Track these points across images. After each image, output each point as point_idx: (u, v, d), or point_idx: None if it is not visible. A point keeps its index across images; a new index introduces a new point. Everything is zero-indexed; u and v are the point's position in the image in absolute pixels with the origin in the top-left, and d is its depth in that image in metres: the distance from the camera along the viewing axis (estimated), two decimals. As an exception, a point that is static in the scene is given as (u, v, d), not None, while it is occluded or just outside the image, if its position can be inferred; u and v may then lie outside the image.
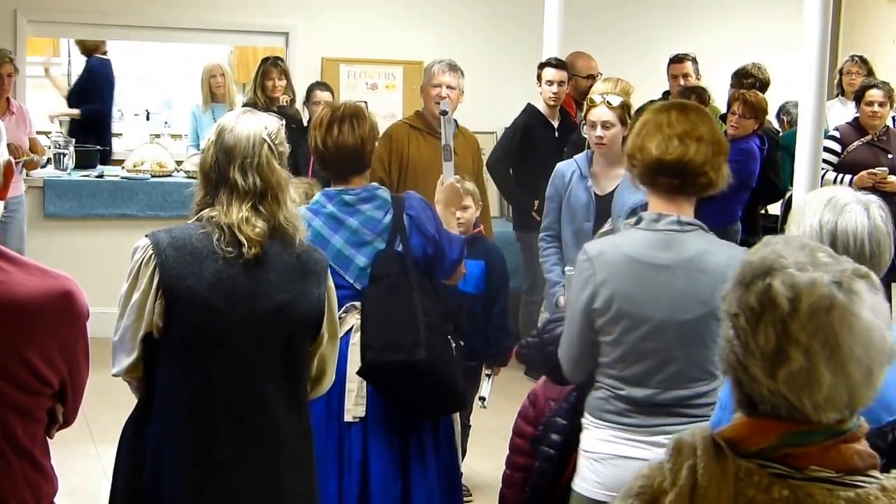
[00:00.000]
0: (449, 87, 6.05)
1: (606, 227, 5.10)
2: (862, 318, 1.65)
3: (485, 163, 7.39)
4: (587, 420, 3.23)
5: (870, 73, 7.97)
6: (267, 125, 3.00)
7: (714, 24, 9.40)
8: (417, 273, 3.71)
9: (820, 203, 2.65)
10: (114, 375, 2.99)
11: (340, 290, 3.65)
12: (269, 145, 2.96)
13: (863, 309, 1.65)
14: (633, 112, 5.31)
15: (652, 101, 7.74)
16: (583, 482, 3.21)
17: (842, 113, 7.95)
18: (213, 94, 8.50)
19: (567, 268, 4.94)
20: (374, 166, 5.09)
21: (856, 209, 2.62)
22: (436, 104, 4.45)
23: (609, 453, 3.15)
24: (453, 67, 6.09)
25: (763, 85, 7.22)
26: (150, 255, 2.92)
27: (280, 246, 2.96)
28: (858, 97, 7.41)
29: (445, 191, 4.25)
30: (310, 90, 7.39)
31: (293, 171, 6.73)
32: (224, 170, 2.94)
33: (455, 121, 6.23)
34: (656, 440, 3.09)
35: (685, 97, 6.61)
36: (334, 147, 3.78)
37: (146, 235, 2.97)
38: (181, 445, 2.93)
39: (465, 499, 4.30)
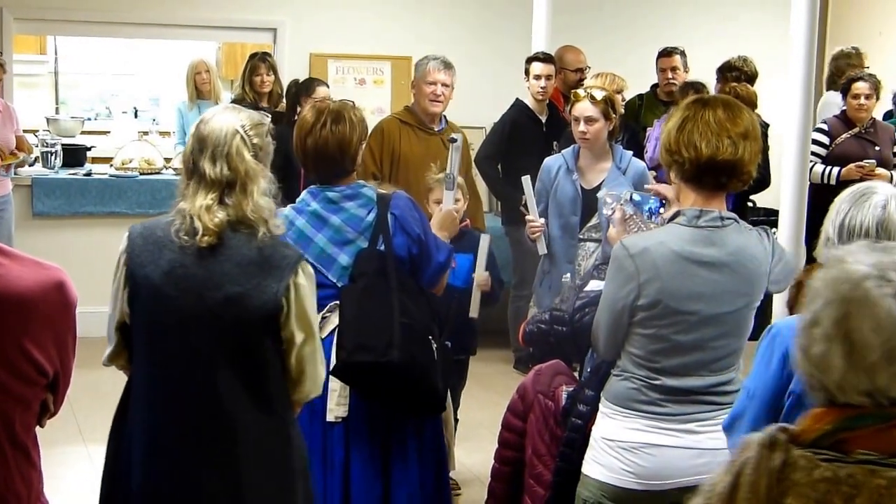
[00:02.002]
0: (444, 85, 6.08)
1: (593, 220, 5.16)
2: (882, 306, 1.67)
3: (473, 158, 7.46)
4: (611, 409, 3.24)
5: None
6: (244, 118, 3.01)
7: (702, 18, 9.40)
8: (400, 272, 3.68)
9: (848, 195, 2.64)
10: (103, 364, 3.07)
11: (324, 289, 3.63)
12: (241, 136, 2.96)
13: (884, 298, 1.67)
14: (619, 107, 5.35)
15: (640, 96, 7.84)
16: (607, 470, 3.22)
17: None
18: (199, 91, 8.49)
19: (566, 278, 5.00)
20: (365, 161, 5.12)
21: (876, 201, 2.60)
22: (450, 141, 4.45)
23: (642, 442, 3.17)
24: (448, 65, 6.12)
25: (749, 78, 7.21)
26: (125, 246, 2.98)
27: (243, 238, 2.94)
28: (845, 90, 7.42)
29: (443, 217, 4.27)
30: (309, 85, 7.30)
31: (284, 169, 6.89)
32: (196, 159, 2.95)
33: (444, 116, 6.27)
34: (688, 427, 3.16)
35: (684, 93, 6.63)
36: (314, 152, 3.78)
37: (130, 227, 3.03)
38: (141, 434, 2.96)
39: (453, 493, 4.33)
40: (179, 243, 2.92)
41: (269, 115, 7.17)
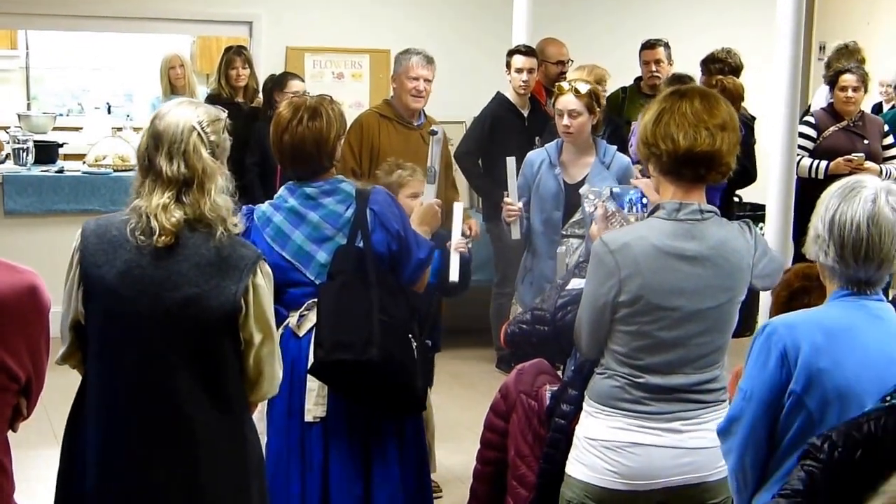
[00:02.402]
0: (426, 80, 6.09)
1: (577, 216, 5.16)
2: None
3: (453, 153, 7.45)
4: (594, 408, 3.23)
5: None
6: (201, 114, 2.99)
7: (687, 10, 9.42)
8: (379, 269, 3.68)
9: (836, 189, 2.63)
10: (56, 363, 3.05)
11: (302, 286, 3.67)
12: (198, 133, 2.95)
13: None
14: (602, 100, 5.35)
15: (624, 89, 7.84)
16: (590, 471, 3.21)
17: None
18: (173, 86, 8.46)
19: (560, 248, 4.99)
20: (344, 156, 5.11)
21: (865, 195, 2.58)
22: (430, 133, 4.43)
23: (625, 441, 3.16)
24: (430, 60, 6.13)
25: (734, 70, 7.19)
26: (79, 243, 2.97)
27: (201, 237, 2.94)
28: (832, 82, 7.44)
29: (424, 210, 4.26)
30: (283, 80, 7.30)
31: (261, 165, 6.87)
32: (152, 156, 2.94)
33: (423, 111, 6.26)
34: (672, 426, 3.17)
35: (671, 85, 6.63)
36: (290, 148, 3.76)
37: (83, 224, 3.02)
38: (96, 434, 2.95)
39: (434, 495, 4.31)
40: (136, 243, 2.91)
41: (243, 110, 7.26)
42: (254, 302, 2.97)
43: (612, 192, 3.74)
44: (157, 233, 2.88)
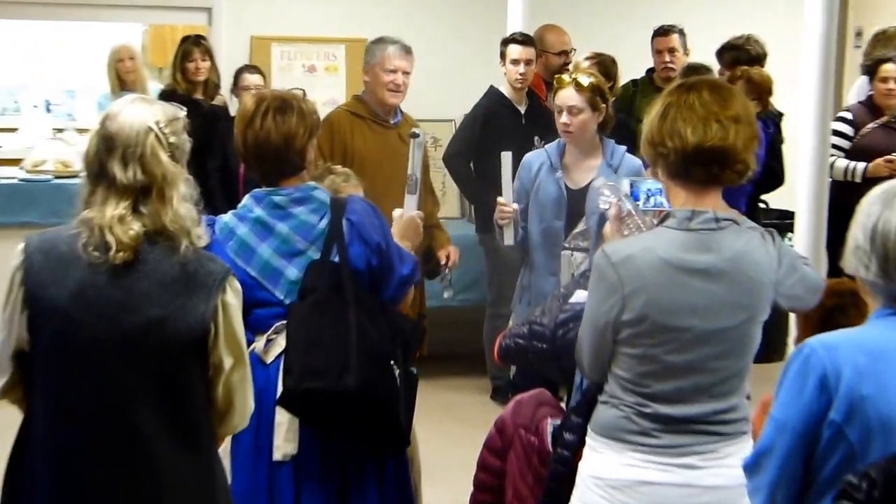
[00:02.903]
0: (404, 72, 6.10)
1: (581, 226, 5.19)
2: None
3: (442, 156, 7.47)
4: (597, 442, 3.24)
5: None
6: (157, 113, 3.00)
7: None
8: (357, 287, 3.69)
9: (879, 194, 2.63)
10: None
11: (269, 307, 3.67)
12: (156, 135, 2.95)
13: None
14: (608, 95, 5.36)
15: (634, 81, 7.86)
16: None
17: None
18: (123, 81, 8.46)
19: (564, 252, 5.02)
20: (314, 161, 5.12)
21: None
22: (411, 136, 4.43)
23: (633, 479, 3.17)
24: (408, 50, 6.14)
25: (754, 59, 7.24)
26: (21, 261, 2.95)
27: (163, 252, 2.94)
28: (871, 72, 7.47)
29: (404, 224, 4.25)
30: (237, 74, 7.41)
31: (222, 170, 6.87)
32: (104, 162, 2.93)
33: (399, 108, 6.27)
34: (687, 462, 3.17)
35: (686, 77, 6.66)
36: (255, 145, 3.77)
37: (25, 239, 3.00)
38: (46, 480, 2.93)
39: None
40: (89, 260, 2.90)
41: (203, 108, 7.27)
42: (224, 322, 2.98)
43: (631, 185, 3.77)
44: (114, 248, 2.88)
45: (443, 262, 5.97)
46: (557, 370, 3.70)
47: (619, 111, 6.58)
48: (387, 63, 6.09)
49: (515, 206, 5.20)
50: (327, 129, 6.04)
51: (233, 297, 3.02)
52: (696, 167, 3.13)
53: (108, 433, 2.93)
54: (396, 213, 4.29)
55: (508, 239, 5.23)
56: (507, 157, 5.20)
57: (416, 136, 4.40)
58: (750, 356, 3.24)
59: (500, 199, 5.20)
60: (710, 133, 3.10)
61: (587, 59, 7.12)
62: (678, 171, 3.16)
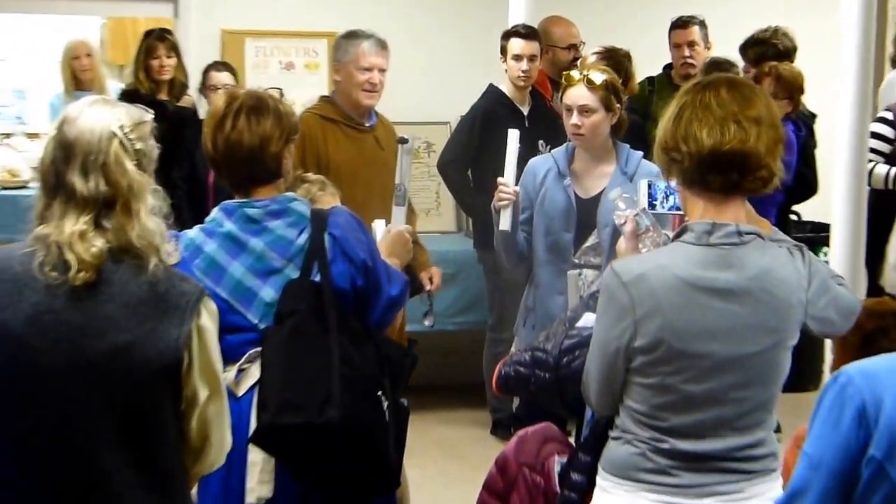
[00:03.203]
0: (381, 70, 6.07)
1: (592, 239, 5.18)
2: None
3: (436, 163, 7.46)
4: (609, 482, 3.24)
5: None
6: (122, 116, 2.98)
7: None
8: (340, 310, 3.67)
9: None
10: None
11: (241, 332, 3.66)
12: (120, 141, 2.93)
13: None
14: (622, 93, 5.35)
15: (650, 79, 7.87)
16: None
17: None
18: (78, 81, 8.48)
19: (571, 272, 5.00)
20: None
21: None
22: (399, 142, 4.40)
23: None
24: (384, 45, 6.10)
25: (782, 54, 7.23)
26: None
27: (129, 271, 2.91)
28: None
29: (392, 239, 4.25)
30: (205, 72, 7.41)
31: (189, 179, 6.86)
32: (61, 171, 2.91)
33: (373, 110, 6.23)
34: (709, 503, 3.16)
35: (707, 74, 6.65)
36: (225, 148, 3.76)
37: None
38: None
39: None
40: (45, 281, 2.87)
41: (169, 111, 7.27)
42: (199, 349, 2.96)
43: (649, 185, 3.77)
44: (74, 268, 2.86)
45: (427, 285, 5.93)
46: (561, 402, 3.69)
47: (634, 112, 6.58)
48: (361, 60, 6.04)
49: (517, 188, 5.17)
50: (297, 136, 5.99)
51: (209, 320, 3.00)
52: (714, 174, 3.13)
53: (69, 472, 2.90)
54: (377, 225, 4.28)
55: (504, 223, 5.19)
56: (514, 135, 5.18)
57: (404, 141, 4.40)
58: (777, 385, 3.24)
59: (500, 180, 5.17)
60: (728, 135, 3.09)
61: (596, 53, 7.09)
62: (694, 178, 3.16)
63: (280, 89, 3.95)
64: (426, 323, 5.90)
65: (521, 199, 5.23)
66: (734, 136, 3.09)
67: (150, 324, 2.91)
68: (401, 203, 4.36)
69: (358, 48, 6.05)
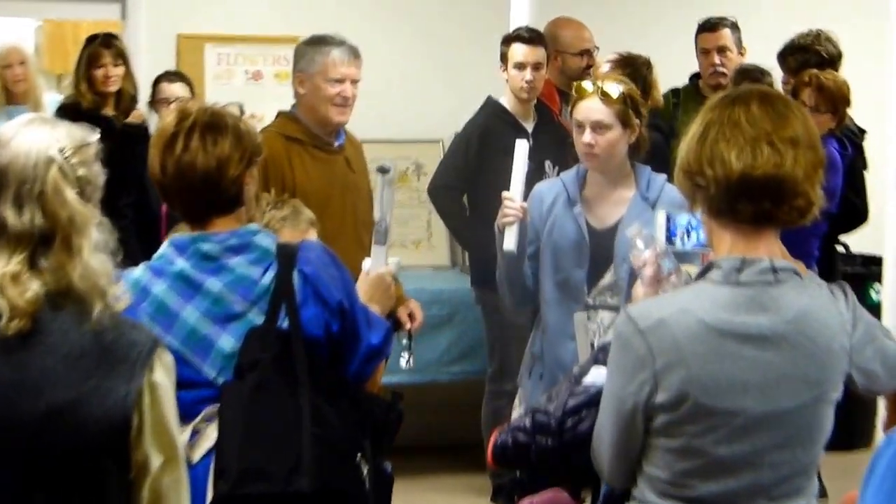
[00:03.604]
0: (353, 82, 6.03)
1: (608, 277, 5.17)
2: None
3: (427, 187, 7.45)
4: None
5: None
6: (62, 137, 2.99)
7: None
8: (313, 361, 3.64)
9: None
10: None
11: (196, 388, 3.62)
12: (60, 167, 2.94)
13: None
14: (643, 107, 5.34)
15: (675, 91, 7.87)
16: None
17: None
18: (10, 93, 8.47)
19: (577, 314, 4.98)
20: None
21: None
22: (379, 171, 4.37)
23: None
24: (356, 53, 6.07)
25: (826, 62, 7.24)
26: None
27: (70, 319, 2.92)
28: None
29: (372, 283, 4.24)
30: (155, 84, 7.41)
31: (138, 206, 6.85)
32: None
33: (342, 127, 6.19)
34: None
35: (737, 84, 6.64)
36: (176, 173, 3.73)
37: None
38: None
39: None
40: None
41: (115, 128, 7.28)
42: (151, 409, 2.96)
43: (668, 218, 3.75)
44: (6, 315, 2.87)
45: (406, 323, 5.91)
46: (565, 473, 3.68)
47: (657, 130, 6.57)
48: (331, 71, 6.00)
49: (524, 204, 5.18)
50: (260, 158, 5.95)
51: (163, 375, 3.00)
52: (744, 202, 3.11)
53: None
54: (365, 265, 4.26)
55: (509, 243, 5.19)
56: (521, 145, 5.22)
57: (385, 170, 4.35)
58: (819, 446, 3.23)
59: (505, 194, 5.18)
60: (761, 158, 3.08)
61: (610, 61, 7.07)
62: (721, 207, 3.15)
63: (240, 105, 3.92)
64: (403, 364, 5.87)
65: (527, 230, 5.22)
66: (767, 160, 3.08)
67: (94, 379, 2.91)
68: (381, 242, 4.32)
69: (327, 57, 6.02)
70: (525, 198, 5.23)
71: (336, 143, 6.12)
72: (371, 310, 3.95)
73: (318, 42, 6.11)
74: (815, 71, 6.95)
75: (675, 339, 3.09)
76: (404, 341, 5.86)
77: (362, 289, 4.16)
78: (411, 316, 5.96)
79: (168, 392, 3.01)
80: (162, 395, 2.99)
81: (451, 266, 8.60)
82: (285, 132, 6.10)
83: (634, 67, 6.94)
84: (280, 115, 6.30)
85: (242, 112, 3.92)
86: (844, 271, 7.50)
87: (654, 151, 5.91)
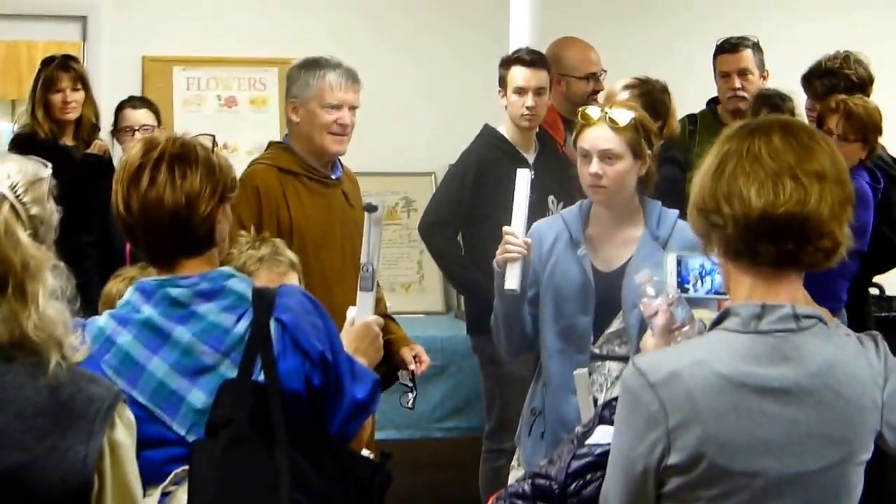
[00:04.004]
0: (352, 108, 6.04)
1: (616, 324, 5.17)
2: None
3: (418, 225, 7.46)
4: None
5: None
6: (13, 173, 3.00)
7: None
8: (291, 417, 3.63)
9: None
10: None
11: (165, 447, 3.62)
12: (11, 205, 2.96)
13: None
14: (655, 136, 5.34)
15: (692, 117, 7.89)
16: None
17: None
18: (-44, 123, 8.51)
19: (578, 371, 4.98)
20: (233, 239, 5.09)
21: None
22: (366, 210, 4.36)
23: None
24: (355, 77, 6.06)
25: (856, 87, 7.25)
26: None
27: (24, 373, 2.92)
28: None
29: (356, 333, 4.25)
30: (118, 110, 7.42)
31: (103, 243, 6.85)
32: None
33: (338, 159, 6.21)
34: None
35: (756, 111, 6.67)
36: (142, 210, 3.72)
37: None
38: None
39: None
40: None
41: (75, 159, 7.29)
42: (112, 470, 2.97)
43: (678, 262, 3.76)
44: None
45: (410, 364, 5.93)
46: None
47: (673, 162, 6.58)
48: (327, 96, 6.01)
49: (527, 239, 5.18)
50: (251, 194, 5.97)
51: (124, 433, 3.02)
52: (764, 243, 3.11)
53: None
54: (350, 314, 4.27)
55: (511, 282, 5.18)
56: (523, 176, 5.22)
57: (372, 209, 4.34)
58: None
59: (506, 229, 5.18)
60: (783, 195, 3.08)
61: (627, 87, 7.01)
62: (739, 248, 3.15)
63: (212, 136, 3.91)
64: (405, 403, 5.90)
65: (529, 269, 5.23)
66: (790, 196, 3.07)
67: (50, 439, 2.92)
68: (368, 287, 4.31)
69: (322, 81, 6.04)
70: (528, 230, 5.23)
71: (333, 176, 6.12)
72: (357, 361, 3.96)
73: (313, 65, 6.12)
74: (842, 96, 6.93)
75: (689, 394, 3.08)
76: (409, 382, 5.89)
77: (347, 339, 4.15)
78: (416, 358, 5.98)
79: (130, 452, 3.02)
80: (123, 456, 3.00)
81: (444, 311, 8.61)
82: (279, 164, 6.12)
83: (651, 95, 6.88)
84: (272, 145, 6.32)
85: (215, 143, 3.88)
86: (879, 317, 7.51)
87: (671, 188, 5.91)
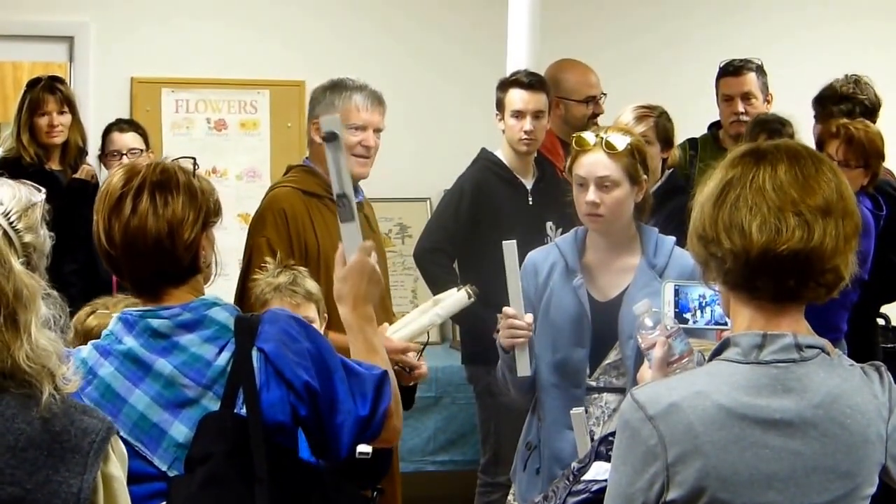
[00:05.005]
0: (377, 130, 6.01)
1: (613, 355, 5.16)
2: None
3: (413, 251, 7.45)
4: None
5: None
6: (6, 199, 3.03)
7: (788, 18, 9.55)
8: (274, 451, 3.61)
9: None
10: None
11: (146, 482, 3.59)
12: (4, 232, 3.00)
13: None
14: (653, 161, 5.35)
15: (692, 141, 7.89)
16: None
17: None
18: (-61, 148, 8.50)
19: (575, 410, 4.96)
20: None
21: None
22: (325, 140, 4.21)
23: None
24: (380, 99, 6.06)
25: (867, 111, 7.27)
26: None
27: (16, 404, 2.92)
28: None
29: (352, 271, 4.13)
30: (105, 134, 7.42)
31: (87, 271, 6.85)
32: None
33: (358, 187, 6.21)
34: None
35: (754, 136, 6.66)
36: (124, 239, 3.71)
37: None
38: None
39: None
40: None
41: (61, 184, 7.30)
42: None
43: (676, 292, 3.75)
44: None
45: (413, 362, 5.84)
46: None
47: (681, 192, 6.55)
48: (352, 117, 5.99)
49: (529, 317, 5.16)
50: (279, 218, 5.98)
51: (117, 467, 3.01)
52: (764, 279, 3.11)
53: None
54: (337, 260, 4.16)
55: (523, 368, 5.17)
56: (510, 248, 5.13)
57: (333, 137, 4.20)
58: None
59: (506, 310, 5.16)
60: (786, 232, 3.05)
61: (638, 115, 6.92)
62: (739, 281, 3.14)
63: (193, 158, 3.87)
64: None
65: (535, 347, 5.23)
66: (793, 234, 3.05)
67: (43, 472, 2.92)
68: (349, 218, 4.13)
69: (348, 102, 6.03)
70: (527, 309, 5.20)
71: (358, 199, 6.07)
72: (355, 366, 3.87)
73: (338, 87, 6.11)
74: (843, 121, 6.91)
75: (689, 427, 3.06)
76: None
77: (344, 288, 4.08)
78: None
79: (122, 486, 3.02)
80: (117, 490, 2.99)
81: (439, 341, 8.58)
82: (302, 186, 6.11)
83: (660, 126, 6.83)
84: (294, 169, 6.29)
85: (196, 166, 3.85)
86: (885, 348, 7.50)
87: (678, 219, 5.90)
